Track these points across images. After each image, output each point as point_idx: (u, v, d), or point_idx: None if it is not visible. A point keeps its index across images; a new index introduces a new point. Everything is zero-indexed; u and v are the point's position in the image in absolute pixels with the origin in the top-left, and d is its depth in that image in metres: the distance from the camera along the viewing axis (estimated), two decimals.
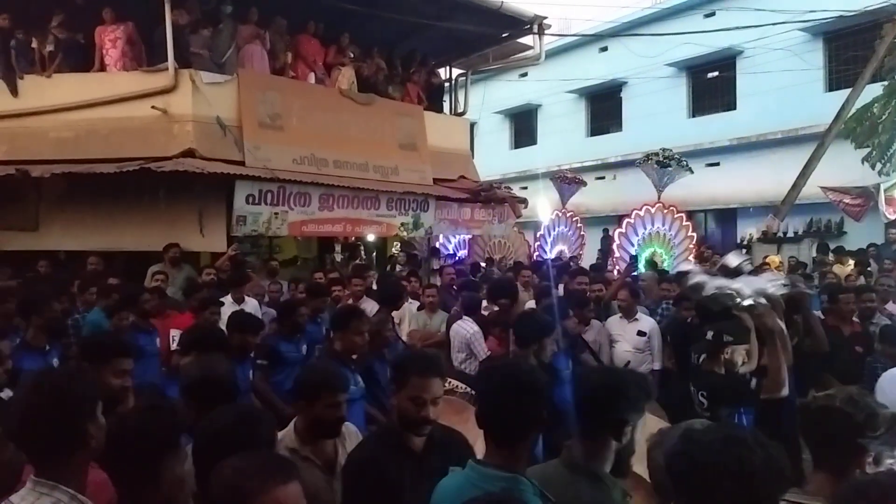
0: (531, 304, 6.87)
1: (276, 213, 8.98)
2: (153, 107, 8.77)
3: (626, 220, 12.46)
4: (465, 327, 5.89)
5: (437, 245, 13.20)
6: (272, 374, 5.09)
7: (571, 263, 11.09)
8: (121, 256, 8.74)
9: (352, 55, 11.35)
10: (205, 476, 1.72)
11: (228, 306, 6.30)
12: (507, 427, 2.10)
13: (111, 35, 9.28)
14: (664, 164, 14.11)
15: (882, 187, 12.88)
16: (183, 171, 8.01)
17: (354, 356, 4.33)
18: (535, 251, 14.30)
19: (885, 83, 15.36)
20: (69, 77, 9.19)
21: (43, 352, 4.48)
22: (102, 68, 9.32)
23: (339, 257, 11.78)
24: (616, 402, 2.18)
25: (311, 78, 10.76)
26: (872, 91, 15.06)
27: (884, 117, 15.39)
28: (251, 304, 6.91)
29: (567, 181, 15.76)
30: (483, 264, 11.82)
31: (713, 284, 3.69)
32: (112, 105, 8.89)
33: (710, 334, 3.82)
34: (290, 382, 3.90)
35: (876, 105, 15.49)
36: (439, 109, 13.31)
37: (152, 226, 8.46)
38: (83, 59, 9.40)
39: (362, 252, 11.81)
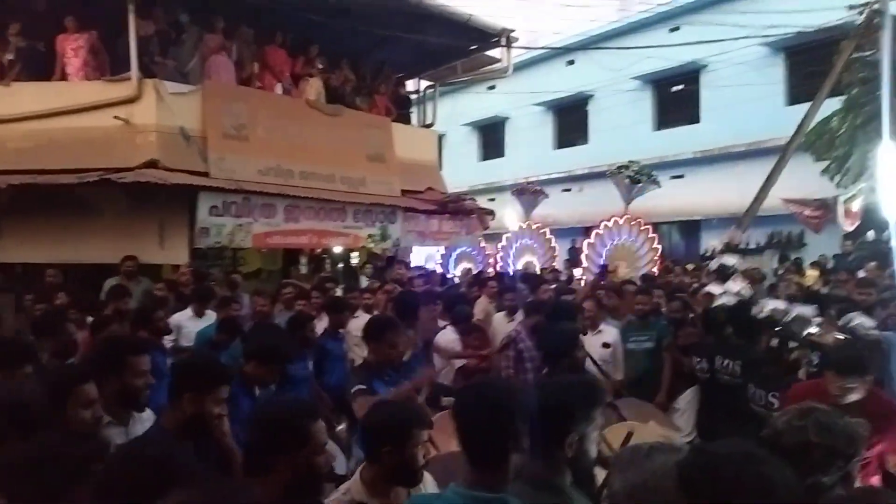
0: (499, 316, 6.87)
1: (240, 225, 8.88)
2: (116, 117, 8.64)
3: (595, 231, 12.55)
4: (448, 334, 5.99)
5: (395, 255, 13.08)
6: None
7: (549, 275, 11.05)
8: (79, 269, 8.56)
9: (320, 66, 11.30)
10: None
11: (188, 320, 6.19)
12: (487, 448, 2.05)
13: (73, 44, 9.13)
14: (636, 180, 14.27)
15: (840, 199, 13.16)
16: (145, 182, 7.88)
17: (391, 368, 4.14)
18: (498, 263, 14.29)
19: (843, 98, 15.76)
20: (29, 86, 9.01)
21: None
22: (63, 77, 9.15)
23: (304, 269, 11.67)
24: (553, 415, 2.17)
25: (278, 89, 10.70)
26: (831, 105, 15.43)
27: (842, 131, 15.77)
28: (212, 319, 6.79)
29: (528, 193, 15.82)
30: (450, 276, 11.82)
31: (795, 311, 4.21)
32: (73, 115, 8.73)
33: (775, 341, 4.17)
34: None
35: (834, 119, 15.87)
36: (407, 121, 13.32)
37: (112, 238, 8.31)
38: (43, 67, 9.22)
39: (327, 265, 11.71)
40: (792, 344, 4.03)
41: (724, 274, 6.94)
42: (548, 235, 14.69)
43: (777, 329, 4.24)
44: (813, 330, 4.04)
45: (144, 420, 3.07)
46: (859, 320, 5.27)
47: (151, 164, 8.35)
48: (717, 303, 6.25)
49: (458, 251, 14.33)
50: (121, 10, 8.47)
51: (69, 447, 1.92)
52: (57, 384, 2.62)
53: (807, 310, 4.19)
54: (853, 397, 3.14)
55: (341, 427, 4.59)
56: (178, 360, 4.14)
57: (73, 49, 9.13)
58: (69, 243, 8.36)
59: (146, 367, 3.03)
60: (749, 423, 4.00)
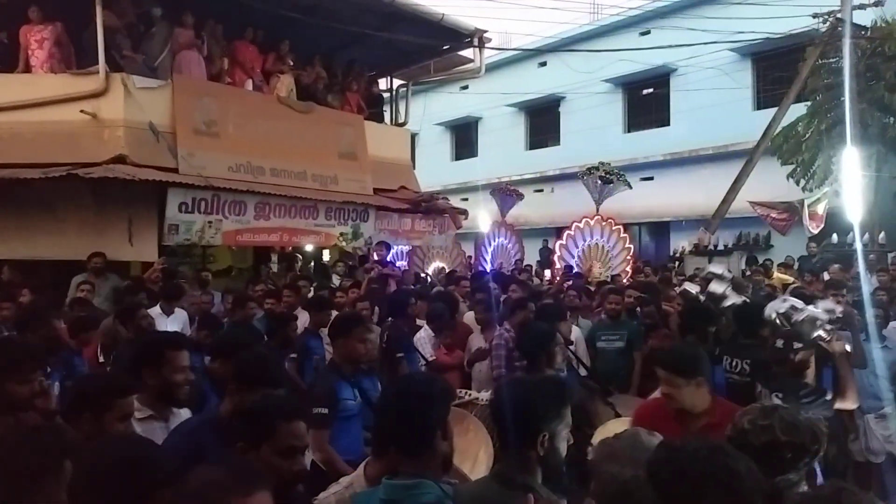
0: (469, 315, 6.86)
1: (209, 222, 8.77)
2: (82, 111, 8.46)
3: (567, 232, 12.63)
4: (421, 333, 5.98)
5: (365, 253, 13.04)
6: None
7: (522, 275, 11.09)
8: (46, 266, 8.38)
9: (291, 63, 11.20)
10: None
11: (157, 317, 6.10)
12: (410, 437, 2.12)
13: (37, 35, 8.92)
14: (606, 180, 14.40)
15: (806, 203, 13.41)
16: (113, 177, 7.74)
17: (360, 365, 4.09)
18: (474, 262, 14.33)
19: (808, 103, 16.08)
20: None
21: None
22: (27, 70, 8.94)
23: (275, 267, 11.57)
24: (523, 414, 2.19)
25: (249, 85, 10.58)
26: (797, 111, 15.74)
27: (807, 136, 16.11)
28: (180, 317, 6.72)
29: (506, 193, 15.92)
30: (423, 275, 11.79)
31: (806, 312, 4.09)
32: (38, 108, 8.53)
33: (779, 342, 4.10)
34: None
35: (800, 124, 16.20)
36: (380, 120, 13.27)
37: (79, 234, 8.15)
38: (6, 59, 9.01)
39: (298, 263, 11.61)
40: (797, 345, 4.01)
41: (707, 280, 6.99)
42: (519, 237, 14.80)
43: (784, 329, 4.27)
44: (823, 333, 3.98)
45: (184, 416, 3.09)
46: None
47: (119, 160, 8.19)
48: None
49: (495, 244, 14.39)
50: (87, 1, 8.30)
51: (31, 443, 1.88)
52: (100, 393, 2.57)
53: (819, 311, 4.18)
54: (687, 401, 3.05)
55: None
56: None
57: (37, 41, 8.91)
58: (34, 239, 8.16)
59: (185, 363, 3.03)
60: None
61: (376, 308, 7.29)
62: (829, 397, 3.89)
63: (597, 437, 2.82)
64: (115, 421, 2.50)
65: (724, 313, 5.46)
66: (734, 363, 4.71)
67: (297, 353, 5.76)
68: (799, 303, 4.18)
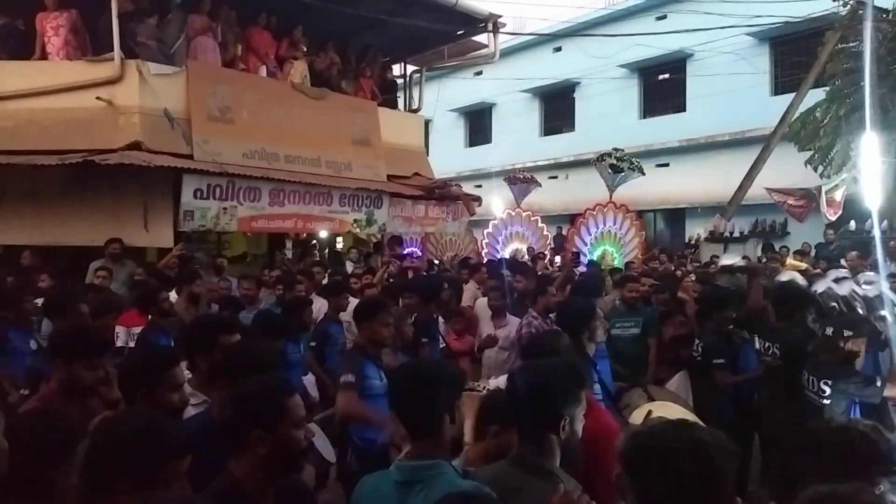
0: (482, 301, 6.86)
1: (224, 209, 8.80)
2: (98, 98, 8.50)
3: (580, 219, 12.60)
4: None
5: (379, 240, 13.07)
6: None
7: (535, 262, 11.07)
8: (63, 252, 8.46)
9: (304, 49, 11.19)
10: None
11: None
12: (421, 419, 2.15)
13: (53, 22, 8.96)
14: (617, 169, 14.32)
15: (823, 189, 13.29)
16: (128, 164, 7.78)
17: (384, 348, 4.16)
18: (484, 250, 14.31)
19: (827, 89, 15.86)
20: (8, 64, 8.84)
21: None
22: (44, 56, 8.99)
23: (290, 254, 11.61)
24: (546, 398, 2.21)
25: (263, 71, 10.59)
26: (815, 96, 15.54)
27: (825, 121, 15.90)
28: None
29: (520, 182, 15.86)
30: (437, 262, 11.81)
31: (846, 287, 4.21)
32: (54, 95, 8.57)
33: (829, 330, 4.11)
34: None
35: (818, 109, 15.99)
36: (394, 106, 13.24)
37: (95, 220, 8.21)
38: (23, 46, 9.05)
39: (316, 249, 11.65)
40: (847, 332, 3.98)
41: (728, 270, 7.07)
42: (539, 224, 14.75)
43: (834, 316, 4.24)
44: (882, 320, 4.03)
45: None
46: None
47: (135, 146, 8.23)
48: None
49: (506, 232, 14.41)
50: None
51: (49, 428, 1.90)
52: (149, 367, 2.63)
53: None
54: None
55: None
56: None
57: (52, 27, 8.96)
58: (51, 225, 8.24)
59: None
60: (796, 402, 4.13)
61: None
62: (879, 384, 3.90)
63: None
64: (167, 393, 2.56)
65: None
66: (766, 346, 4.78)
67: (317, 340, 5.81)
68: (866, 279, 4.17)
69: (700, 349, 5.17)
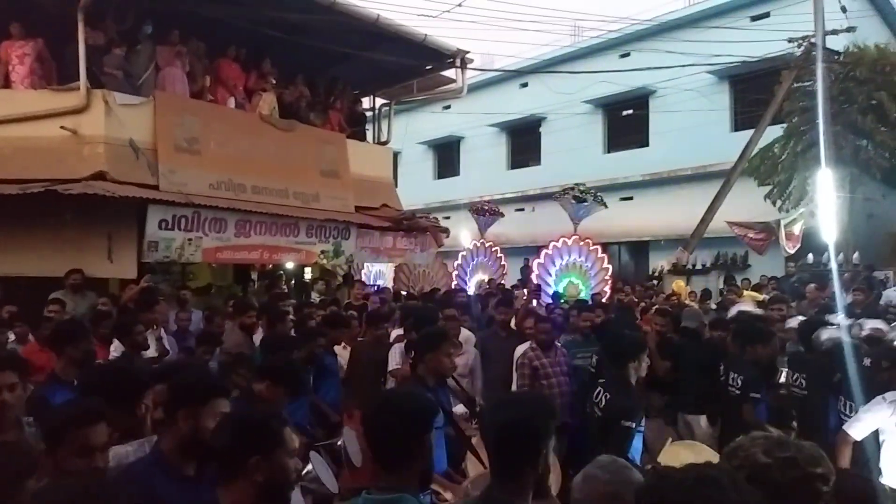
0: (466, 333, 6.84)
1: (189, 239, 8.72)
2: (62, 127, 8.41)
3: (544, 251, 12.71)
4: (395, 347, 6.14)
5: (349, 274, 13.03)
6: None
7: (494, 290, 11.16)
8: (23, 283, 8.28)
9: (273, 81, 11.23)
10: None
11: None
12: (390, 451, 2.14)
13: (18, 51, 8.89)
14: (580, 200, 14.52)
15: (782, 223, 13.62)
16: (92, 194, 7.69)
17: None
18: (453, 280, 14.39)
19: (784, 125, 16.38)
20: None
21: (72, 386, 3.92)
22: (8, 85, 8.90)
23: (256, 285, 11.51)
24: (525, 434, 2.15)
25: (231, 102, 10.58)
26: (773, 132, 16.04)
27: (783, 157, 16.42)
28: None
29: (484, 212, 15.99)
30: (405, 293, 11.80)
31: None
32: (17, 123, 8.46)
33: (867, 361, 4.50)
34: (297, 414, 4.03)
35: (776, 146, 16.51)
36: (363, 138, 13.31)
37: (58, 251, 8.07)
38: None
39: (282, 281, 11.56)
40: (885, 363, 4.32)
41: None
42: (499, 254, 14.86)
43: (873, 348, 4.66)
44: None
45: None
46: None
47: (99, 176, 8.14)
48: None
49: (474, 263, 14.48)
50: (69, 18, 8.29)
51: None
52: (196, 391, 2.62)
53: None
54: None
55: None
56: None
57: (18, 56, 8.88)
58: (11, 256, 8.08)
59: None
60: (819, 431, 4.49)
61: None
62: None
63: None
64: (208, 418, 2.48)
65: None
66: (794, 377, 5.18)
67: (314, 371, 5.75)
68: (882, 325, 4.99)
69: (739, 381, 5.17)
